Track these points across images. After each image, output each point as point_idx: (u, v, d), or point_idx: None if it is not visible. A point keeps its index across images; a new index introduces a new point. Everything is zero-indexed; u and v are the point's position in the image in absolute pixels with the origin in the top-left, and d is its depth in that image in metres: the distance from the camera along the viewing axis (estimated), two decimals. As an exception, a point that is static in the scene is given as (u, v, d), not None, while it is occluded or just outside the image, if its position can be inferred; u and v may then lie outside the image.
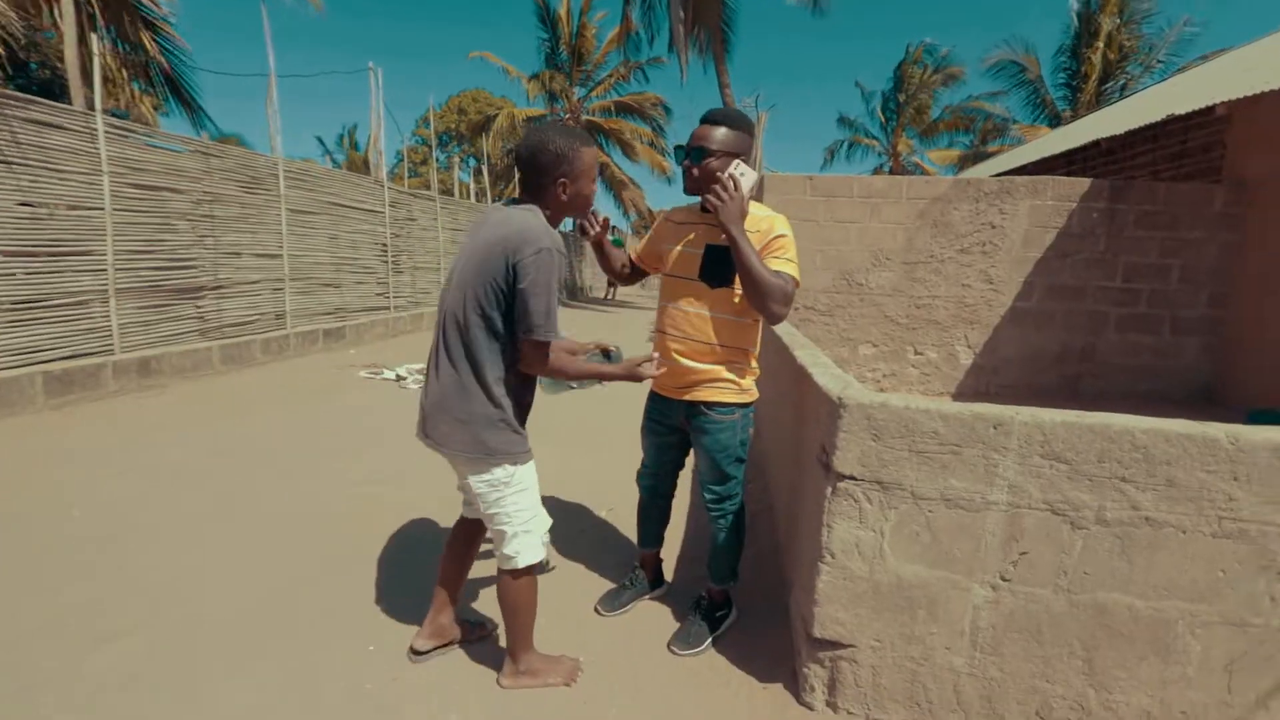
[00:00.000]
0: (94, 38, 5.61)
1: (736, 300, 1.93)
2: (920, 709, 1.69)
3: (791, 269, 1.85)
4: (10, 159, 4.43)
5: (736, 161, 1.85)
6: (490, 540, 1.85)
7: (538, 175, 1.66)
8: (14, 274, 4.46)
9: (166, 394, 5.17)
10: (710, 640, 2.09)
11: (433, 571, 2.01)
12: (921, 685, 1.68)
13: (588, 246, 22.76)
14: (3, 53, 5.21)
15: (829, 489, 1.67)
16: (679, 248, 2.00)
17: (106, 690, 1.76)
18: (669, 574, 2.52)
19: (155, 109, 10.36)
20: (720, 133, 1.88)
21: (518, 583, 1.77)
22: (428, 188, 11.81)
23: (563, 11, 19.41)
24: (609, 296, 21.94)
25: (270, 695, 1.77)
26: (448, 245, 11.07)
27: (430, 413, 1.69)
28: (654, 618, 2.25)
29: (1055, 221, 5.63)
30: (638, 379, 1.83)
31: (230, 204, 6.36)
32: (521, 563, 1.75)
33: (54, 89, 10.51)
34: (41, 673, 1.83)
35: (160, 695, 1.75)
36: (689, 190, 1.95)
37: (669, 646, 2.07)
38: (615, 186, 21.82)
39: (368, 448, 4.00)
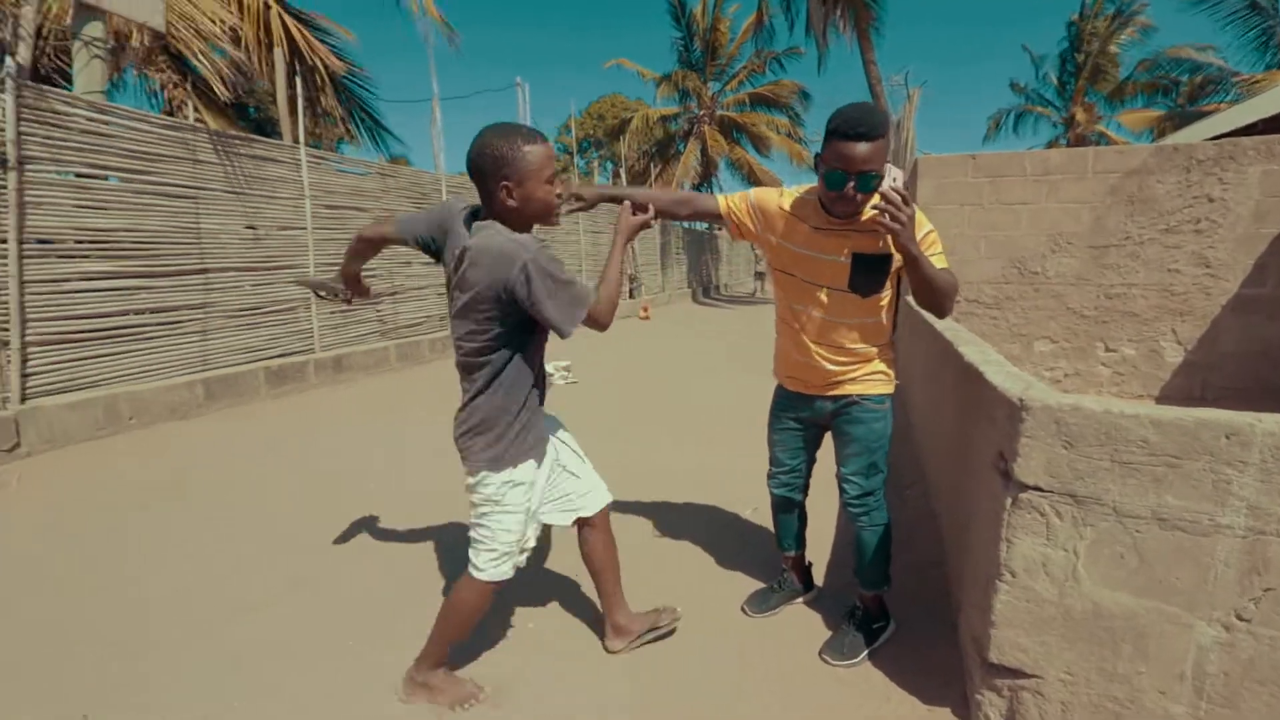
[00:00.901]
0: (298, 82, 6.54)
1: (884, 303, 1.89)
2: (1124, 757, 1.47)
3: (947, 262, 1.80)
4: (240, 189, 5.29)
5: (889, 168, 1.71)
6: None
7: (483, 182, 1.56)
8: (242, 286, 5.32)
9: (354, 387, 5.90)
10: (866, 653, 1.98)
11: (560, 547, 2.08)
12: (1126, 730, 1.46)
13: (722, 245, 22.58)
14: (231, 99, 6.25)
15: (1008, 500, 1.51)
16: (814, 254, 1.87)
17: (300, 639, 2.04)
18: (819, 578, 2.42)
19: (342, 138, 11.83)
20: (877, 146, 1.66)
21: (474, 591, 1.73)
22: (562, 185, 12.37)
23: (697, 10, 19.41)
24: (756, 293, 21.73)
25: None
26: (588, 248, 11.53)
27: (457, 428, 1.74)
28: (804, 623, 2.18)
29: (1297, 189, 4.64)
30: (636, 227, 1.79)
31: (403, 218, 7.12)
32: (487, 577, 1.72)
33: (266, 129, 12.40)
34: (231, 611, 2.15)
35: (336, 638, 2.00)
36: (846, 214, 1.77)
37: (821, 655, 1.99)
38: (752, 180, 21.44)
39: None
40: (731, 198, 2.05)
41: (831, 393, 1.95)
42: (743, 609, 2.25)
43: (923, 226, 1.76)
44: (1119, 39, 19.37)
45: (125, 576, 2.46)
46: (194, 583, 2.42)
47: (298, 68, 7.48)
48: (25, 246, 3.81)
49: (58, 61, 6.36)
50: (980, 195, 5.27)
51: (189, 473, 3.57)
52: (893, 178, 1.70)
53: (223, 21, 5.87)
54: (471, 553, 1.74)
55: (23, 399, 3.73)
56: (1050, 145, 20.41)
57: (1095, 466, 1.42)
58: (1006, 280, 5.32)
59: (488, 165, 1.54)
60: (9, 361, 3.69)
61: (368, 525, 2.91)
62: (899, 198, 1.62)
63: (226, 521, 2.97)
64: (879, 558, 2.00)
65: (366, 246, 1.90)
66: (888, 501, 2.03)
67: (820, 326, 1.91)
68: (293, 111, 6.15)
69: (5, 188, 3.71)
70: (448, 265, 1.68)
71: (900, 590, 2.18)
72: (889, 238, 1.69)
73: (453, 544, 2.73)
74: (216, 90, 5.80)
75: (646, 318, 12.46)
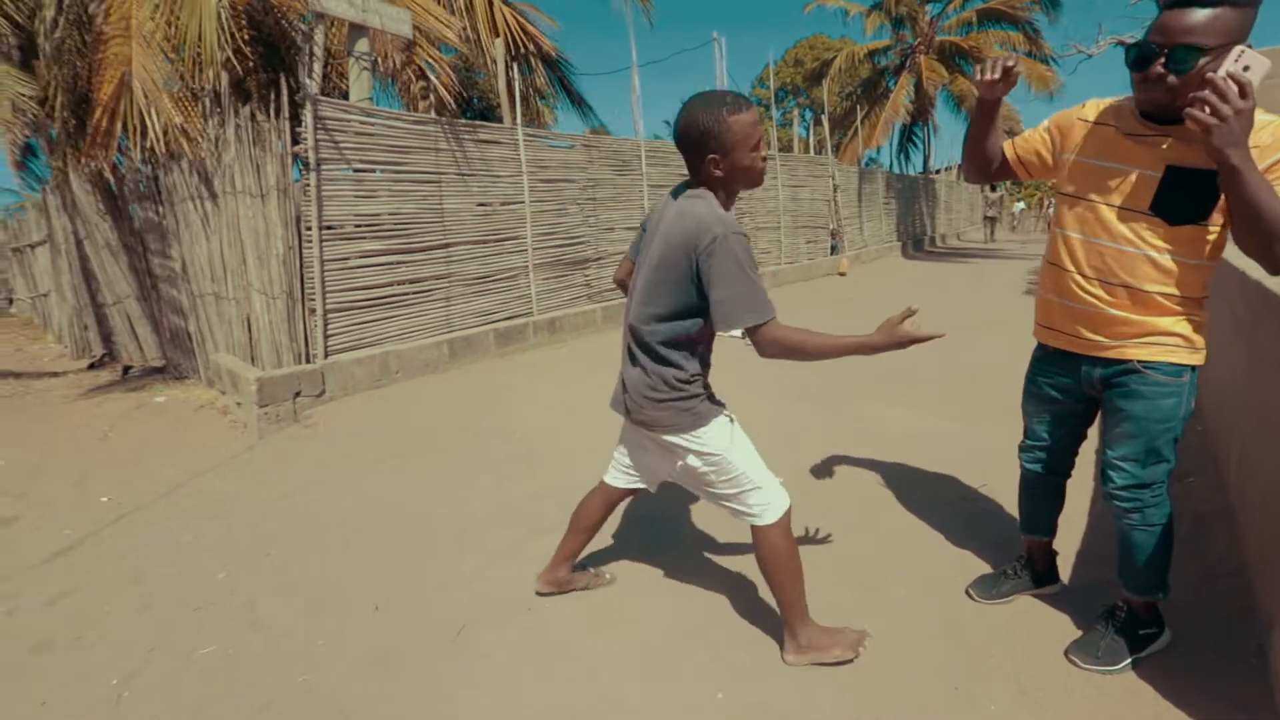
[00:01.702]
0: (514, 67, 7.12)
1: (1209, 240, 1.43)
2: None
3: None
4: (472, 171, 5.96)
5: (1240, 50, 1.24)
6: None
7: (691, 155, 1.60)
8: (476, 257, 6.04)
9: (566, 347, 6.43)
10: (1129, 660, 1.67)
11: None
12: None
13: (940, 189, 20.12)
14: (446, 97, 7.06)
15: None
16: (1112, 164, 1.50)
17: (522, 570, 2.29)
18: (1064, 573, 2.09)
19: (544, 115, 12.73)
20: (1214, 15, 1.28)
21: (774, 536, 1.69)
22: (767, 146, 11.92)
23: (913, -80, 17.09)
24: (990, 237, 19.21)
25: (651, 598, 2.05)
26: (787, 203, 11.06)
27: (631, 397, 1.74)
28: (1043, 617, 1.91)
29: None
30: (905, 343, 1.49)
31: (606, 186, 7.45)
32: (771, 515, 1.69)
33: (488, 114, 13.79)
34: (490, 549, 2.47)
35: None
36: (1151, 105, 1.41)
37: (1068, 654, 1.72)
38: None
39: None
40: (1020, 136, 1.75)
41: (1106, 354, 1.56)
42: (967, 592, 2.03)
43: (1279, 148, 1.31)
44: None
45: (416, 497, 2.99)
46: (476, 504, 2.86)
47: (515, 55, 8.17)
48: (323, 232, 4.71)
49: (336, 75, 7.70)
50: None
51: (443, 417, 4.20)
52: (1241, 64, 1.20)
53: (453, 25, 6.60)
54: (740, 509, 1.72)
55: (326, 355, 4.69)
56: None
57: None
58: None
59: (694, 139, 1.57)
60: (316, 325, 4.64)
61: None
62: (1232, 87, 1.21)
63: (486, 459, 3.44)
64: (1154, 562, 1.64)
65: (625, 284, 1.96)
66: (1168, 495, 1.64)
67: (1102, 259, 1.53)
68: (510, 96, 6.74)
69: (309, 185, 4.61)
70: (649, 226, 1.77)
71: (1180, 598, 1.79)
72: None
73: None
74: (444, 98, 6.55)
75: (844, 274, 11.67)
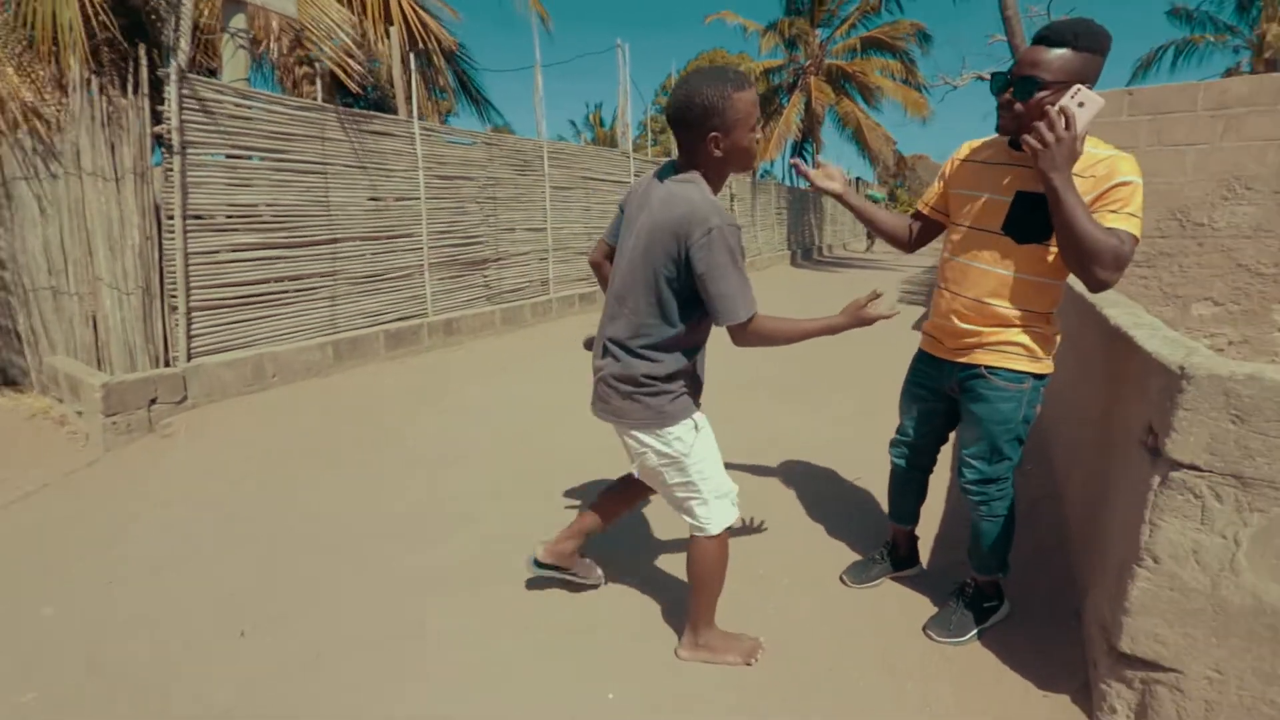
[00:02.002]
0: (411, 57, 6.84)
1: (1049, 260, 1.60)
2: (1285, 771, 1.30)
3: (1133, 226, 1.45)
4: (363, 164, 5.66)
5: (1077, 88, 1.42)
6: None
7: (688, 132, 1.51)
8: (365, 254, 5.73)
9: (463, 349, 6.25)
10: (975, 631, 1.87)
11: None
12: (1289, 742, 1.29)
13: (826, 203, 21.54)
14: (350, 85, 6.66)
15: (1156, 479, 1.35)
16: (978, 192, 1.69)
17: (419, 586, 2.22)
18: (924, 557, 2.30)
19: (446, 112, 12.32)
20: (1057, 55, 1.46)
21: (711, 548, 1.70)
22: (668, 154, 12.20)
23: (806, -51, 18.14)
24: (869, 248, 21.04)
25: (547, 599, 2.05)
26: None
27: (601, 386, 1.68)
28: (905, 598, 2.09)
29: None
30: (866, 322, 1.61)
31: (507, 186, 7.32)
32: (715, 529, 1.69)
33: (383, 106, 13.15)
34: (372, 564, 2.37)
35: (465, 586, 2.15)
36: (1005, 130, 1.58)
37: (925, 630, 1.90)
38: (859, 138, 20.12)
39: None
40: (926, 193, 1.92)
41: (961, 359, 1.74)
42: (841, 578, 2.18)
43: (1115, 178, 1.47)
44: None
45: (289, 510, 2.78)
46: (357, 515, 2.70)
47: (411, 46, 7.83)
48: (188, 222, 4.29)
49: (205, 54, 7.03)
50: (1136, 136, 4.62)
51: (332, 423, 3.95)
52: (1076, 100, 1.40)
53: (345, 13, 6.23)
54: (689, 517, 1.71)
55: (189, 357, 4.27)
56: (1229, 75, 17.42)
57: (1271, 445, 1.23)
58: (1163, 234, 4.67)
59: (696, 116, 1.48)
60: (178, 324, 4.21)
61: (495, 473, 3.10)
62: (1061, 117, 1.39)
63: (372, 467, 3.26)
64: (996, 546, 1.84)
65: (602, 266, 1.89)
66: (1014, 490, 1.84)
67: (963, 276, 1.71)
68: (406, 88, 6.46)
69: (172, 170, 4.18)
70: (629, 208, 1.68)
71: (1016, 573, 2.03)
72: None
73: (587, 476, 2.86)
74: (345, 83, 6.14)
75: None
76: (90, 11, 4.59)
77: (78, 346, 4.24)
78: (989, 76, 1.59)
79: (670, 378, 1.61)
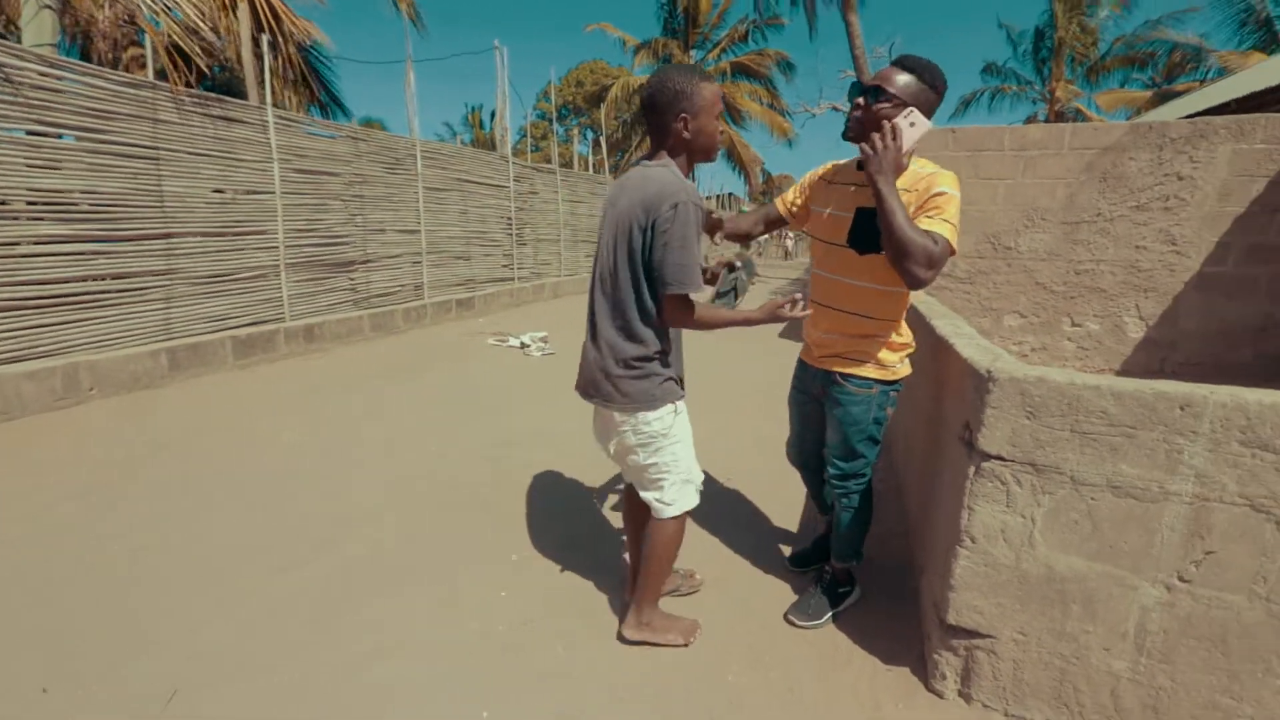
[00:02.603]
0: (264, 39, 6.27)
1: (888, 269, 1.76)
2: (1068, 710, 1.54)
3: (945, 230, 1.63)
4: (206, 151, 5.09)
5: (910, 110, 1.63)
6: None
7: (659, 115, 1.66)
8: (208, 252, 5.16)
9: (328, 357, 5.81)
10: (830, 615, 2.04)
11: (557, 522, 2.10)
12: (1071, 685, 1.53)
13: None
14: (198, 63, 5.97)
15: (971, 469, 1.55)
16: (829, 210, 1.88)
17: (279, 610, 2.04)
18: (793, 544, 2.47)
19: (309, 102, 11.43)
20: (903, 79, 1.68)
21: (670, 530, 1.83)
22: (549, 161, 12.17)
23: (679, -28, 18.92)
24: (787, 257, 22.82)
25: (415, 622, 1.96)
26: (567, 217, 11.37)
27: (591, 374, 1.77)
28: (771, 589, 2.23)
29: (1266, 169, 4.71)
30: (780, 320, 1.71)
31: (376, 184, 6.92)
32: (678, 510, 1.82)
33: (232, 89, 11.91)
34: (235, 591, 2.14)
35: (322, 614, 2.00)
36: (850, 135, 1.77)
37: (786, 616, 2.04)
38: (731, 154, 21.26)
39: (498, 411, 4.27)
40: (787, 192, 2.09)
41: (821, 366, 1.93)
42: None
43: (934, 189, 1.67)
44: (1099, 15, 19.31)
45: (110, 543, 2.42)
46: (193, 545, 2.39)
47: (260, 29, 7.18)
48: (-26, 207, 3.65)
49: (5, 14, 6.00)
50: (959, 169, 5.23)
51: (158, 444, 3.50)
52: (910, 120, 1.63)
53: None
54: (654, 494, 1.82)
55: (-23, 366, 3.62)
56: (1028, 122, 20.46)
57: (1056, 436, 1.46)
58: (980, 255, 5.38)
59: (667, 98, 1.63)
60: (-39, 328, 3.56)
61: (355, 496, 2.89)
62: (889, 130, 1.60)
63: (201, 492, 2.92)
64: (852, 535, 2.02)
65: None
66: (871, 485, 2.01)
67: (821, 288, 1.91)
68: (259, 73, 5.92)
69: (-50, 145, 3.53)
70: (609, 201, 1.77)
71: (866, 560, 2.24)
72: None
73: (439, 510, 2.74)
74: (175, 63, 5.48)
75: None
76: None
77: None
78: (843, 104, 1.79)
79: (656, 357, 1.71)
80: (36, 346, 3.94)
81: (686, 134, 1.65)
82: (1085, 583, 1.48)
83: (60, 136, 4.22)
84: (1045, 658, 1.55)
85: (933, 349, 2.27)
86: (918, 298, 3.09)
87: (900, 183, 1.69)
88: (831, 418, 1.93)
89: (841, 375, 1.88)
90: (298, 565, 2.31)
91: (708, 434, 3.84)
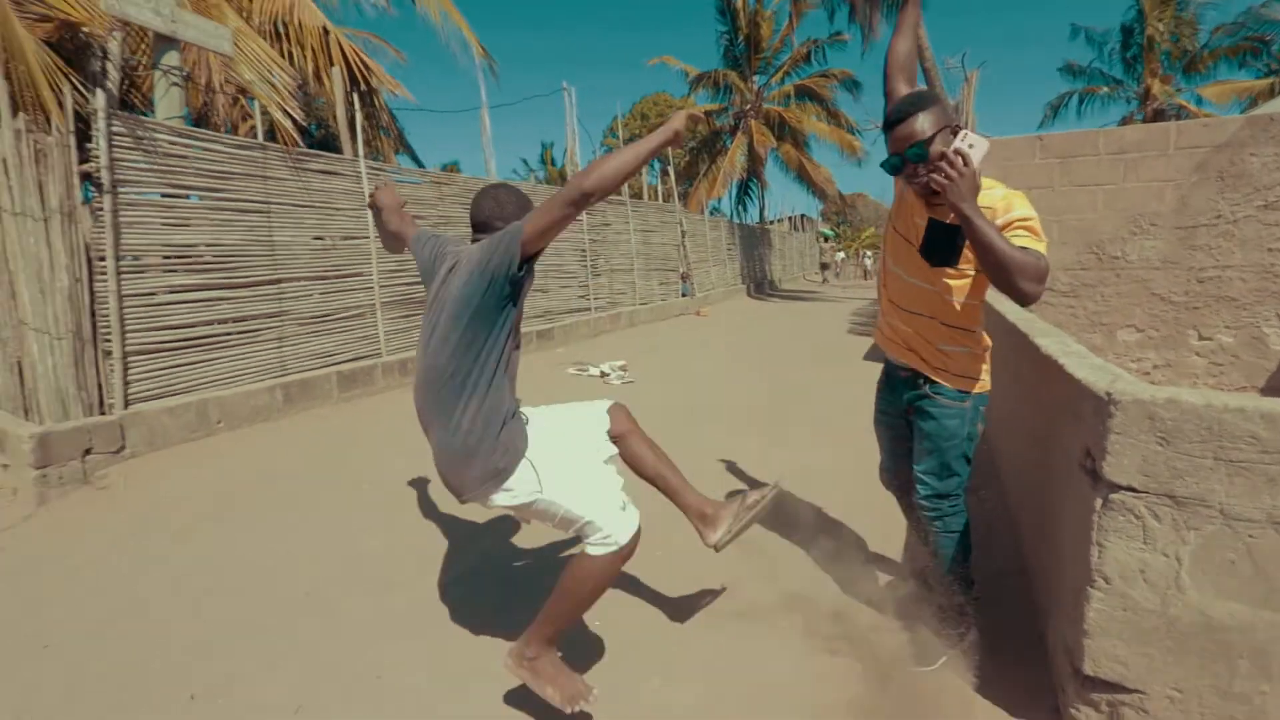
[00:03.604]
0: (355, 97, 6.80)
1: (962, 281, 1.76)
2: (1238, 779, 1.37)
3: (1040, 246, 1.59)
4: (308, 203, 5.54)
5: (964, 133, 1.58)
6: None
7: (486, 229, 1.78)
8: (313, 294, 5.58)
9: (418, 390, 6.11)
10: (945, 659, 1.91)
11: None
12: (1241, 750, 1.36)
13: (775, 238, 22.37)
14: (298, 121, 6.55)
15: (1098, 501, 1.43)
16: (914, 217, 1.83)
17: (392, 628, 2.12)
18: (892, 573, 2.35)
19: (395, 151, 12.28)
20: (924, 119, 1.65)
21: (589, 569, 1.57)
22: (619, 193, 12.45)
23: (739, 2, 19.07)
24: (824, 280, 22.75)
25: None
26: (640, 246, 11.55)
27: (447, 470, 1.64)
28: (877, 626, 2.12)
29: None
30: (676, 133, 1.63)
31: (458, 225, 7.29)
32: (624, 536, 1.57)
33: (327, 144, 12.97)
34: (342, 610, 2.26)
35: (429, 629, 2.07)
36: (923, 191, 1.71)
37: (897, 659, 1.93)
38: (802, 176, 21.03)
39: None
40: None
41: (904, 361, 1.88)
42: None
43: (1012, 212, 1.64)
44: (1191, 4, 17.88)
45: (240, 562, 2.62)
46: (312, 563, 2.56)
47: (354, 87, 7.79)
48: (121, 263, 4.10)
49: (140, 91, 6.81)
50: (1050, 178, 5.00)
51: (280, 472, 3.77)
52: (967, 142, 1.56)
53: (281, 57, 6.15)
54: (591, 538, 1.59)
55: (125, 404, 4.02)
56: (1124, 123, 19.12)
57: (1197, 465, 1.33)
58: (1084, 266, 5.03)
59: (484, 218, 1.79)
60: (113, 370, 3.98)
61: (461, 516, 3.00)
62: (957, 158, 1.54)
63: (326, 512, 3.12)
64: (955, 564, 1.90)
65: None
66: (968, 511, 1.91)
67: (900, 287, 1.88)
68: (351, 127, 6.42)
69: (102, 210, 4.00)
70: (437, 273, 1.79)
71: (980, 598, 2.09)
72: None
73: (539, 530, 2.80)
74: (280, 124, 6.03)
75: (702, 315, 12.45)
76: (18, 50, 4.39)
77: (1, 395, 3.95)
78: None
79: (510, 416, 1.62)
80: (175, 385, 4.36)
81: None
82: (1253, 634, 1.32)
83: (188, 197, 4.70)
84: None
85: (1037, 369, 2.13)
86: (1016, 314, 2.92)
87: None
88: (921, 433, 1.85)
89: (931, 387, 1.82)
90: (405, 585, 2.41)
91: (804, 463, 3.75)
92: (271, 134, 5.27)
